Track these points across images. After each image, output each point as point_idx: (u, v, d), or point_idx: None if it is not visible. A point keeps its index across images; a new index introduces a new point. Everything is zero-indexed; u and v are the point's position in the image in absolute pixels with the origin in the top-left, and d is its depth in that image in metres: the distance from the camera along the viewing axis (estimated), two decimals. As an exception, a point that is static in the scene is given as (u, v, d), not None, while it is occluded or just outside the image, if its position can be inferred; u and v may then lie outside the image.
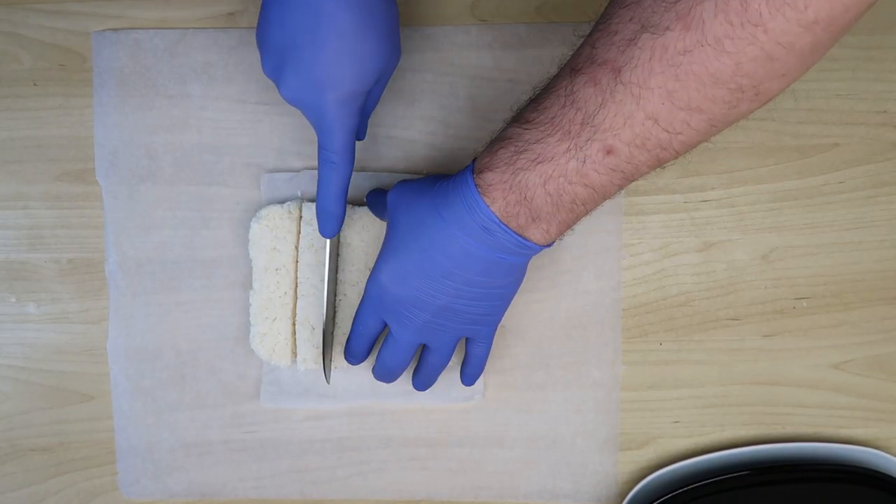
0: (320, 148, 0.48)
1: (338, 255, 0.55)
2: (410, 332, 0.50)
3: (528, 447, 0.59)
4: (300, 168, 0.57)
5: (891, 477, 0.56)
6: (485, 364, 0.54)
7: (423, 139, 0.57)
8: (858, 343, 0.58)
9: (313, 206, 0.55)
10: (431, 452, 0.59)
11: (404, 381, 0.57)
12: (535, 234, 0.44)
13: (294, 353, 0.57)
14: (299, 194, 0.57)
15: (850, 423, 0.58)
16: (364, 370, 0.57)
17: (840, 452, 0.57)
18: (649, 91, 0.38)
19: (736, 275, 0.58)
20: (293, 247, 0.56)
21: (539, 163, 0.41)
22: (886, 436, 0.58)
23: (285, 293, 0.56)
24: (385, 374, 0.53)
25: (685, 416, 0.58)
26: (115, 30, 0.57)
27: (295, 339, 0.56)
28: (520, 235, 0.44)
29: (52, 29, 0.57)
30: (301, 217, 0.56)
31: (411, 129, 0.57)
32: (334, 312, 0.55)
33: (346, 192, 0.50)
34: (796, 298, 0.58)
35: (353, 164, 0.49)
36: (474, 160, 0.45)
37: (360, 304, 0.51)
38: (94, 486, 0.59)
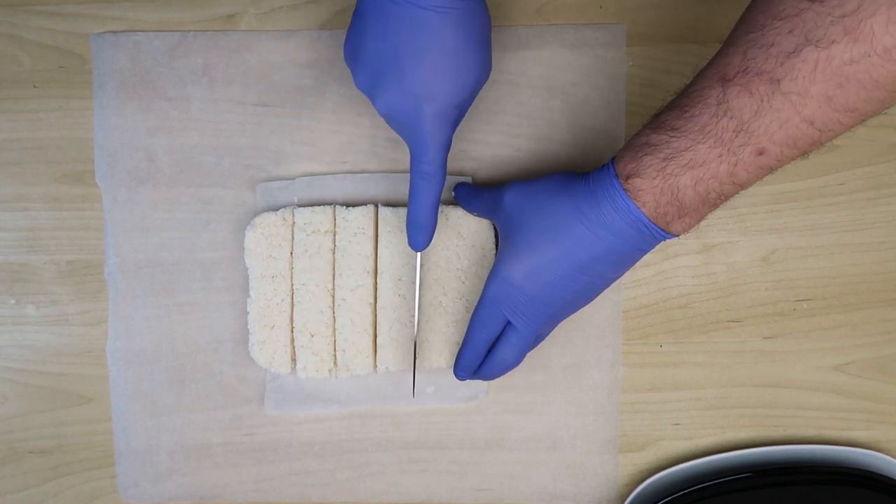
0: (414, 160, 0.48)
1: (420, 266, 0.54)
2: (535, 328, 0.50)
3: (527, 449, 0.58)
4: (299, 170, 0.57)
5: (891, 479, 0.56)
6: None
7: (422, 141, 0.57)
8: (859, 345, 0.58)
9: (307, 211, 0.55)
10: (431, 455, 0.59)
11: (409, 383, 0.57)
12: (677, 228, 0.46)
13: (293, 360, 0.56)
14: (295, 201, 0.57)
15: (851, 425, 0.58)
16: (369, 374, 0.57)
17: (841, 454, 0.57)
18: (809, 98, 0.39)
19: (736, 276, 0.58)
20: (289, 253, 0.56)
21: (690, 168, 0.43)
22: (887, 438, 0.58)
23: (283, 300, 0.56)
24: (501, 371, 0.52)
25: (686, 418, 0.58)
26: (114, 32, 0.57)
27: (294, 346, 0.56)
28: (665, 231, 0.45)
29: (52, 31, 0.57)
30: (295, 223, 0.56)
31: (410, 131, 0.57)
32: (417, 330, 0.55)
33: (438, 204, 0.50)
34: (797, 300, 0.58)
35: (445, 176, 0.49)
36: (612, 163, 0.46)
37: (477, 312, 0.51)
38: (92, 489, 0.59)
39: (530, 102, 0.57)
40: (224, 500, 0.59)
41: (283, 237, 0.56)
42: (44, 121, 0.58)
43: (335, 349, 0.56)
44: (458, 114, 0.48)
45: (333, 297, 0.56)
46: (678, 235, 0.46)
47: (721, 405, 0.58)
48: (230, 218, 0.58)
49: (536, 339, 0.51)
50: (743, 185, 0.44)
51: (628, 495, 0.57)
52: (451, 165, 0.57)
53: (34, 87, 0.58)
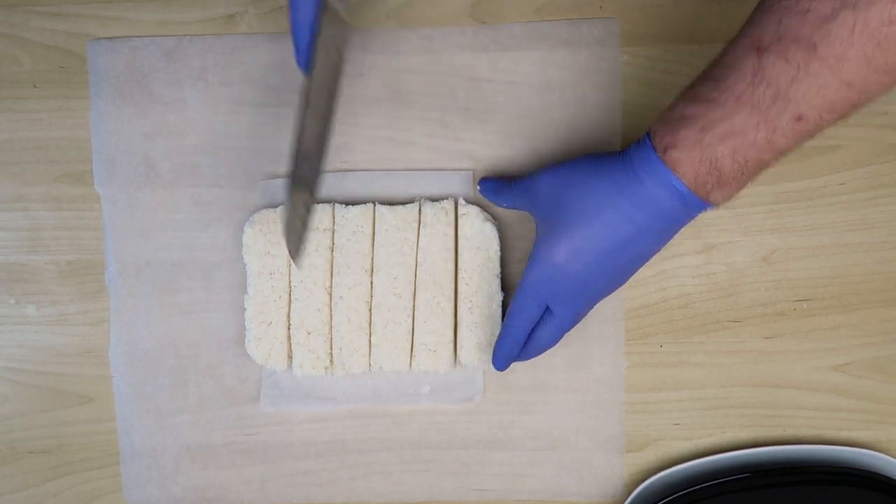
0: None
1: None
2: (574, 312, 0.50)
3: (530, 447, 0.58)
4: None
5: (891, 479, 0.56)
6: None
7: (421, 140, 0.57)
8: (859, 345, 0.58)
9: None
10: (434, 454, 0.59)
11: (405, 382, 0.57)
12: (717, 197, 0.46)
13: (290, 357, 0.56)
14: (296, 198, 0.57)
15: (851, 426, 0.58)
16: (365, 373, 0.57)
17: (840, 454, 0.57)
18: (847, 61, 0.39)
19: (736, 277, 0.58)
20: (287, 251, 0.56)
21: (727, 138, 0.43)
22: (887, 438, 0.58)
23: (280, 297, 0.56)
24: (539, 353, 0.53)
25: (686, 418, 0.58)
26: (110, 38, 0.57)
27: (290, 343, 0.56)
28: (705, 201, 0.46)
29: (53, 31, 0.57)
30: None
31: (410, 131, 0.57)
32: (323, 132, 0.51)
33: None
34: (797, 300, 0.58)
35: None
36: (648, 137, 0.46)
37: (517, 299, 0.51)
38: (92, 489, 0.59)
39: (528, 101, 0.57)
40: (229, 502, 0.59)
41: (281, 234, 0.56)
42: (44, 121, 0.58)
43: (331, 347, 0.56)
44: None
45: (331, 295, 0.56)
46: (718, 205, 0.46)
47: (721, 405, 0.58)
48: (230, 219, 0.58)
49: (574, 321, 0.51)
50: (783, 153, 0.44)
51: (629, 495, 0.57)
52: (450, 165, 0.57)
53: (34, 87, 0.58)
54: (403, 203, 0.56)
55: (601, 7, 0.57)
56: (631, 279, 0.57)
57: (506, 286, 0.57)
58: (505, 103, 0.57)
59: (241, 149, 0.58)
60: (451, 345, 0.56)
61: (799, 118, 0.41)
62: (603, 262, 0.48)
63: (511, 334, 0.52)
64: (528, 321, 0.51)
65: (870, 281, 0.57)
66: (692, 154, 0.44)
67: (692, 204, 0.45)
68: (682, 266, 0.58)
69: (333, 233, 0.56)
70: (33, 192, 0.58)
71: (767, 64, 0.41)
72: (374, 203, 0.56)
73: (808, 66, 0.39)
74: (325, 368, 0.56)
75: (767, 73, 0.41)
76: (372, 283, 0.56)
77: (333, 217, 0.56)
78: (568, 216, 0.48)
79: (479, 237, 0.55)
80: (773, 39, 0.41)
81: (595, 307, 0.57)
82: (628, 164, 0.47)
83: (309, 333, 0.56)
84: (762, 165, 0.44)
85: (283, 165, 0.57)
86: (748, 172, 0.44)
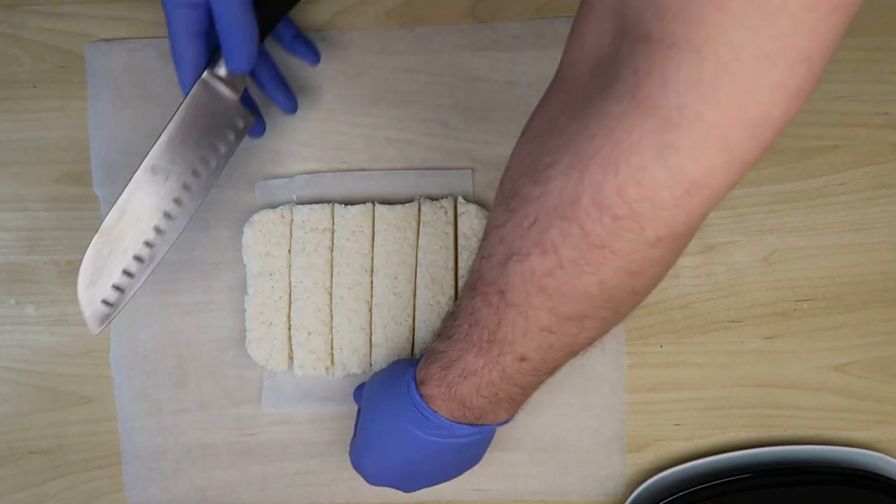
0: None
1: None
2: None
3: (533, 447, 0.58)
4: (297, 171, 0.57)
5: (891, 479, 0.56)
6: None
7: (420, 140, 0.57)
8: (859, 345, 0.58)
9: (305, 209, 0.56)
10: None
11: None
12: (489, 420, 0.44)
13: (290, 358, 0.56)
14: (294, 199, 0.57)
15: (851, 426, 0.58)
16: (366, 373, 0.57)
17: (841, 455, 0.57)
18: (534, 309, 0.37)
19: (736, 277, 0.58)
20: (287, 251, 0.56)
21: (466, 377, 0.41)
22: (888, 438, 0.58)
23: (280, 298, 0.56)
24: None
25: (686, 418, 0.58)
26: (107, 40, 0.57)
27: (291, 344, 0.56)
28: (476, 426, 0.44)
29: (52, 31, 0.57)
30: (293, 221, 0.56)
31: (408, 131, 0.57)
32: None
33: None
34: (797, 300, 0.58)
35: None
36: (414, 366, 0.45)
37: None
38: (92, 489, 0.59)
39: (528, 101, 0.57)
40: (230, 503, 0.59)
41: (281, 234, 0.56)
42: (44, 121, 0.58)
43: (332, 347, 0.56)
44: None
45: (331, 295, 0.56)
46: (508, 422, 0.45)
47: (721, 405, 0.58)
48: (230, 219, 0.58)
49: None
50: (528, 385, 0.42)
51: (629, 495, 0.57)
52: (449, 164, 0.57)
53: (34, 87, 0.58)
54: (403, 202, 0.56)
55: (601, 7, 0.57)
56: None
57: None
58: (504, 103, 0.57)
59: (241, 149, 0.57)
60: None
61: (522, 359, 0.39)
62: (408, 470, 0.48)
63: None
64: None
65: (870, 281, 0.57)
66: (441, 390, 0.42)
67: (466, 430, 0.44)
68: (682, 266, 0.58)
69: (333, 233, 0.56)
70: (33, 192, 0.58)
71: (477, 306, 0.39)
72: (373, 203, 0.56)
73: (506, 312, 0.38)
74: (326, 369, 0.56)
75: (478, 315, 0.39)
76: (372, 282, 0.56)
77: (333, 217, 0.56)
78: (373, 433, 0.48)
79: (479, 235, 0.55)
80: (477, 280, 0.39)
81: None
82: (403, 392, 0.45)
83: (309, 334, 0.56)
84: (513, 397, 0.42)
85: (282, 166, 0.57)
86: (502, 404, 0.42)
